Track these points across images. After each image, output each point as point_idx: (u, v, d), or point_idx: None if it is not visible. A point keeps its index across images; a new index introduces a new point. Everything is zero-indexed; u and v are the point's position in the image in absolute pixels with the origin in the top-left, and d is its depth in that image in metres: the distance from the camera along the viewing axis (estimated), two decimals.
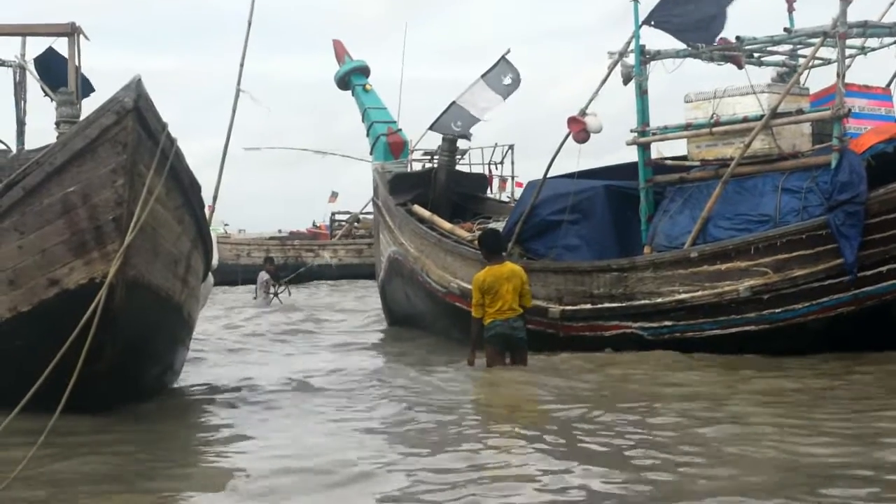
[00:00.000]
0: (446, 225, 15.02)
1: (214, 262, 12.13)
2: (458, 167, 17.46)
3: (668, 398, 8.99)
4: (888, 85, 12.55)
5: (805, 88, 12.34)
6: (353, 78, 17.98)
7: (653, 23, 11.94)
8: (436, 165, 16.98)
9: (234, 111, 11.19)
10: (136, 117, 8.22)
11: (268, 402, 9.47)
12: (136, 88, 8.28)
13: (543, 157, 12.68)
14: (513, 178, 20.65)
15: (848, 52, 12.62)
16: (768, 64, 12.99)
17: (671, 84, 12.63)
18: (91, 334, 7.51)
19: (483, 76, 16.67)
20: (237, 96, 11.08)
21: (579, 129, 12.27)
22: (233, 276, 31.23)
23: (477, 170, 18.00)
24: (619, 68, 12.26)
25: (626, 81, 12.18)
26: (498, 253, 11.03)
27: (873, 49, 12.63)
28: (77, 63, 11.04)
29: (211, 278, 12.17)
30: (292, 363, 12.65)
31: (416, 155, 17.84)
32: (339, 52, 18.24)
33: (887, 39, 12.44)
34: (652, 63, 12.39)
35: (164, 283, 9.22)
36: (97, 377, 8.12)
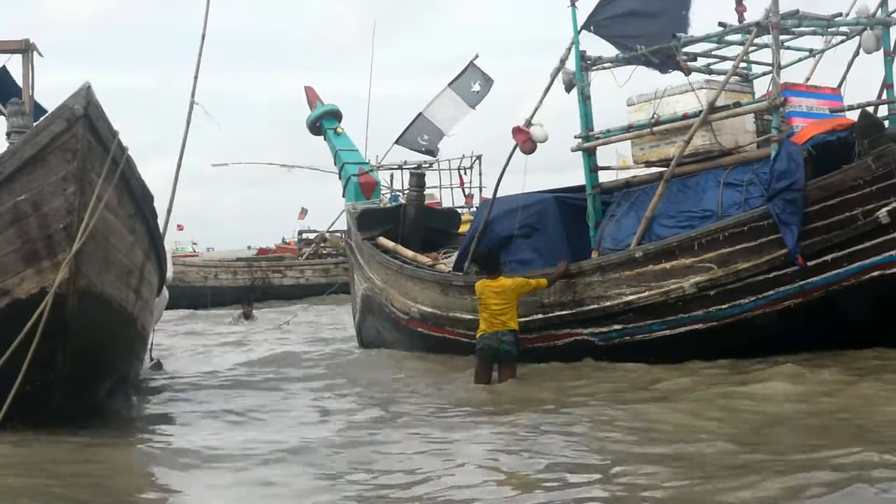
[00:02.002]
0: (408, 253, 14.89)
1: (169, 275, 12.02)
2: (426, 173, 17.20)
3: None
4: (839, 85, 12.37)
5: (748, 84, 12.21)
6: (324, 122, 18.06)
7: (591, 28, 11.87)
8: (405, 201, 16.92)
9: (188, 123, 11.22)
10: (86, 124, 8.14)
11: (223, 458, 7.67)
12: (85, 95, 8.20)
13: (516, 170, 12.56)
14: (480, 189, 20.60)
15: (797, 54, 12.58)
16: (719, 72, 12.83)
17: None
18: (35, 342, 7.43)
19: (451, 84, 16.52)
20: (191, 108, 11.12)
21: (525, 139, 12.15)
22: (202, 298, 31.90)
23: (444, 177, 17.76)
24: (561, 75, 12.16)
25: (568, 89, 12.05)
26: (491, 269, 11.13)
27: (822, 50, 12.51)
28: (31, 80, 11.06)
29: (166, 292, 12.03)
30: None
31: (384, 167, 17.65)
32: (311, 97, 18.37)
33: (835, 40, 12.35)
34: (601, 75, 12.28)
35: (117, 293, 9.10)
36: (52, 388, 8.07)
